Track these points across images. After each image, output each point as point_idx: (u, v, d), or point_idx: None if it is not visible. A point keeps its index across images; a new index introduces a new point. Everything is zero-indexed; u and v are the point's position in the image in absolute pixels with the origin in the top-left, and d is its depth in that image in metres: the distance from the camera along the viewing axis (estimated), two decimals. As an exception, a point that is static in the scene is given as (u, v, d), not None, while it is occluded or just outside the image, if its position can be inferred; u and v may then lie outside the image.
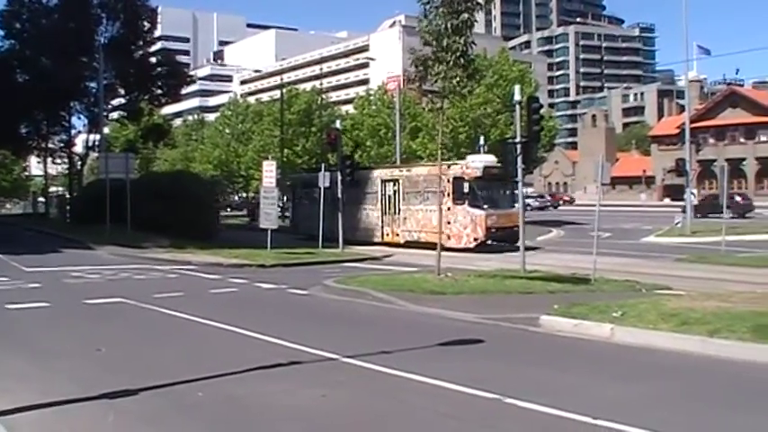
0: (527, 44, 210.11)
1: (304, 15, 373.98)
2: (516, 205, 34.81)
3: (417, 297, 18.39)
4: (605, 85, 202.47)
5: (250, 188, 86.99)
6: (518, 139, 23.86)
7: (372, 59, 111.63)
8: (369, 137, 68.63)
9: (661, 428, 7.98)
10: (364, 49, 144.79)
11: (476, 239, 34.86)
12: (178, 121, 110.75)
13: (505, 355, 12.48)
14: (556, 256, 31.74)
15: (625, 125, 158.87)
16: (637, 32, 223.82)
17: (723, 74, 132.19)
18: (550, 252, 34.31)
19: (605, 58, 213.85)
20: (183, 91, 64.60)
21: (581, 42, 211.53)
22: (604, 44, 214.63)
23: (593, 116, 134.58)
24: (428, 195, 36.45)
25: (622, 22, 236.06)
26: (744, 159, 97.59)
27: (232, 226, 57.49)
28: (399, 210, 39.01)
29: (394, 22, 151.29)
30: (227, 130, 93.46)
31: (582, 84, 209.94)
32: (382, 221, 40.02)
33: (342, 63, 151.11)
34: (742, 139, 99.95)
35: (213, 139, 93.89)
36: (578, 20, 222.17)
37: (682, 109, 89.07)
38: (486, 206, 34.99)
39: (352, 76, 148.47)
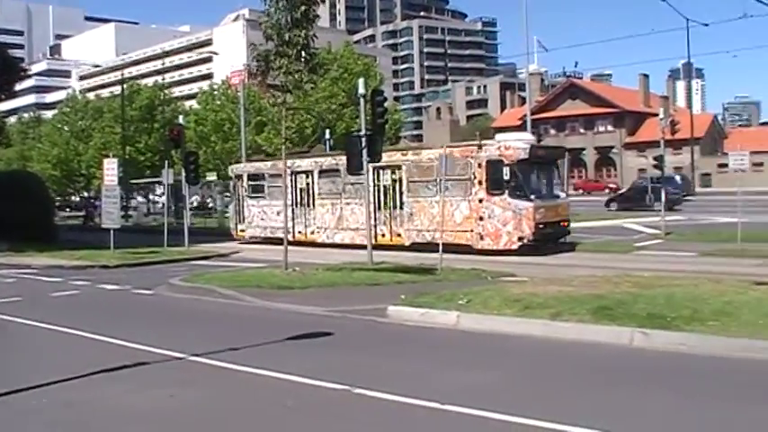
0: (372, 38, 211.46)
1: (145, 9, 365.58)
2: (562, 194, 31.72)
3: (265, 292, 18.30)
4: (449, 78, 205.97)
5: (92, 187, 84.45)
6: (363, 133, 23.99)
7: (216, 54, 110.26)
8: (213, 132, 67.79)
9: (507, 410, 8.19)
10: (207, 43, 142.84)
11: (521, 239, 27.59)
12: (13, 119, 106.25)
13: (354, 346, 12.58)
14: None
15: (469, 117, 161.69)
16: (479, 27, 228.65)
17: (563, 67, 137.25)
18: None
19: (449, 51, 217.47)
20: (18, 87, 61.87)
21: (425, 36, 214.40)
22: (448, 38, 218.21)
23: (438, 109, 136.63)
24: (448, 185, 27.95)
25: (465, 16, 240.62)
26: (583, 149, 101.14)
27: (73, 227, 55.66)
28: (402, 204, 31.30)
29: (237, 16, 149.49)
30: (66, 128, 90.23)
31: (426, 77, 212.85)
32: (375, 219, 31.56)
33: (185, 57, 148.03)
34: (582, 130, 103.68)
35: (51, 138, 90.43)
36: (422, 14, 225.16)
37: (523, 101, 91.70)
38: (532, 196, 28.25)
39: (195, 71, 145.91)
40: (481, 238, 28.36)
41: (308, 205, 34.74)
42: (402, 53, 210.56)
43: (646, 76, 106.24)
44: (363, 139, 23.53)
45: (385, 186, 31.80)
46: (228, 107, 67.79)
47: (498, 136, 32.18)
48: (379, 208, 31.91)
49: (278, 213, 34.00)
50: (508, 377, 10.24)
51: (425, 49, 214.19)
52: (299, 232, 34.79)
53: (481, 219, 28.36)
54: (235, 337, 12.68)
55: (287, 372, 10.14)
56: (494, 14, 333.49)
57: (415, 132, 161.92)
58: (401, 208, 31.30)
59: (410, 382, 9.63)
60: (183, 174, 34.13)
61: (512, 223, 27.62)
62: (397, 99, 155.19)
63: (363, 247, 28.92)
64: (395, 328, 14.07)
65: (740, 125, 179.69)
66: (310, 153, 40.32)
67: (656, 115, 41.54)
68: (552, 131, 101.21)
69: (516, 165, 27.72)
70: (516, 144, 29.18)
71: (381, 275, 20.56)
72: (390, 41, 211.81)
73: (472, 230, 28.56)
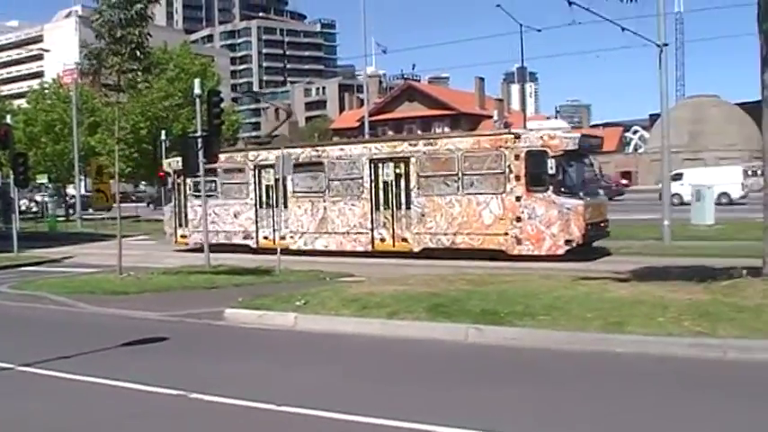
0: (210, 38, 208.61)
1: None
2: (602, 191, 28.72)
3: (98, 298, 17.87)
4: (288, 79, 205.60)
5: None
6: (199, 134, 23.64)
7: (47, 51, 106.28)
8: (44, 133, 65.33)
9: (343, 409, 8.30)
10: (38, 39, 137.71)
11: (568, 242, 23.67)
12: None
13: (190, 350, 12.43)
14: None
15: (308, 119, 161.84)
16: (318, 28, 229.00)
17: (401, 69, 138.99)
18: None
19: (288, 52, 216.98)
20: None
21: (264, 37, 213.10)
22: (287, 39, 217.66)
23: (277, 110, 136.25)
24: (473, 180, 25.21)
25: (304, 17, 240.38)
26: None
27: None
28: (410, 203, 26.67)
29: (69, 13, 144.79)
30: None
31: (265, 78, 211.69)
32: (373, 221, 27.40)
33: (13, 54, 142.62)
34: (419, 132, 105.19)
35: None
36: (261, 14, 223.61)
37: (362, 103, 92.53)
38: (581, 192, 24.56)
39: (24, 69, 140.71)
40: (518, 242, 24.32)
41: (278, 205, 28.75)
42: (240, 53, 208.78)
43: (481, 79, 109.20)
44: (199, 141, 23.18)
45: (386, 182, 27.19)
46: (60, 107, 65.35)
47: (530, 124, 27.51)
48: (378, 208, 27.35)
49: (236, 215, 30.60)
50: (345, 376, 10.34)
51: (264, 50, 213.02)
52: (265, 237, 29.79)
53: (519, 219, 24.32)
54: (66, 345, 12.30)
55: (121, 379, 9.94)
56: (333, 16, 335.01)
57: (253, 133, 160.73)
58: (408, 207, 26.75)
59: (247, 385, 9.62)
60: (12, 176, 32.64)
61: (557, 224, 23.69)
62: (235, 100, 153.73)
63: (355, 254, 26.53)
64: (232, 331, 13.98)
65: (572, 127, 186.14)
66: (275, 143, 35.09)
67: (491, 117, 42.71)
68: (390, 133, 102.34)
69: (561, 157, 24.00)
70: (563, 134, 25.99)
71: (219, 278, 20.38)
72: (229, 42, 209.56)
73: (506, 233, 24.52)
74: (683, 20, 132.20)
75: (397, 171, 26.96)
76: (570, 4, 28.23)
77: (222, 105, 25.34)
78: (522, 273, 18.52)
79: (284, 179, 27.46)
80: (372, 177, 27.28)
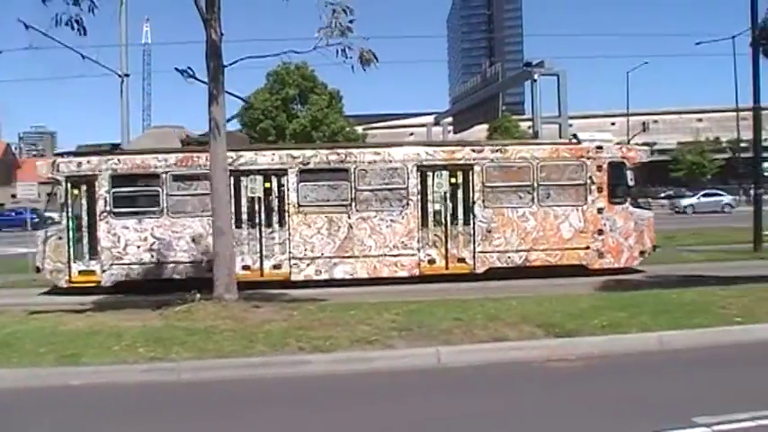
0: None
1: None
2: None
3: None
4: None
5: None
6: None
7: None
8: None
9: None
10: None
11: (642, 253, 24.15)
12: None
13: None
14: None
15: None
16: None
17: None
18: None
19: None
20: None
21: None
22: None
23: None
24: (549, 191, 23.68)
25: None
26: None
27: None
28: (473, 217, 23.49)
29: None
30: None
31: None
32: (420, 240, 23.34)
33: None
34: None
35: None
36: None
37: None
38: (645, 205, 25.97)
39: None
40: (600, 255, 23.88)
41: (268, 224, 23.16)
42: None
43: None
44: None
45: (436, 193, 23.53)
46: None
47: (583, 135, 25.17)
48: (425, 224, 23.47)
49: (195, 240, 22.63)
50: None
51: None
52: (246, 267, 22.69)
53: (600, 232, 23.82)
54: None
55: None
56: None
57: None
58: (466, 223, 23.59)
59: None
60: None
61: (633, 236, 24.07)
62: None
63: (394, 281, 22.35)
64: None
65: (35, 155, 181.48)
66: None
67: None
68: None
69: (637, 169, 24.70)
70: (639, 147, 26.49)
71: None
72: None
73: (588, 247, 23.81)
74: (150, 51, 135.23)
75: (453, 180, 23.72)
76: (27, 27, 27.57)
77: None
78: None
79: (286, 189, 23.04)
80: (420, 188, 23.51)
